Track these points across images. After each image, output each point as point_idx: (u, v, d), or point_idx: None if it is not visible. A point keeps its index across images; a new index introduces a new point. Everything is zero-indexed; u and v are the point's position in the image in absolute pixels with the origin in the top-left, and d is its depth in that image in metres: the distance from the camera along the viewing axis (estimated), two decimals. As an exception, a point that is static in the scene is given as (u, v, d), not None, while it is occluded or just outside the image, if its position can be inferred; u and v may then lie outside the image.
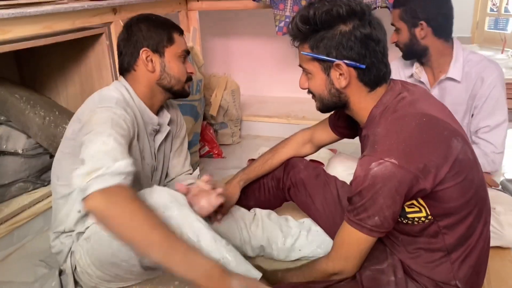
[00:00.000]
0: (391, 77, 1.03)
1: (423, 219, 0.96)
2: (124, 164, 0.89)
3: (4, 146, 1.57)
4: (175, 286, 1.17)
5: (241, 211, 1.39)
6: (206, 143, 2.31)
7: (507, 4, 4.19)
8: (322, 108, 1.07)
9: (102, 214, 0.84)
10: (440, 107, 1.03)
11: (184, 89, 1.25)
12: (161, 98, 1.25)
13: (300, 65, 1.05)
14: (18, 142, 1.61)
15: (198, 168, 1.47)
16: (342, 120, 1.27)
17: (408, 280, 1.02)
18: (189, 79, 1.25)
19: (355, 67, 0.96)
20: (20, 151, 1.61)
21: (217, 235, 0.97)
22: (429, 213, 0.95)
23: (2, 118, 1.59)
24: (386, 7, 2.04)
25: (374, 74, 0.98)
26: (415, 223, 0.97)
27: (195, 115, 2.02)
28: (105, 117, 1.02)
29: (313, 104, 1.09)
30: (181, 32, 1.24)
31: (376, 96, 1.00)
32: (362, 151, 1.08)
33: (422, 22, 1.44)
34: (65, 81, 1.96)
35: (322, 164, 2.01)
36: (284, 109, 2.73)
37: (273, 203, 1.46)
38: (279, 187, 1.42)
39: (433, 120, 0.93)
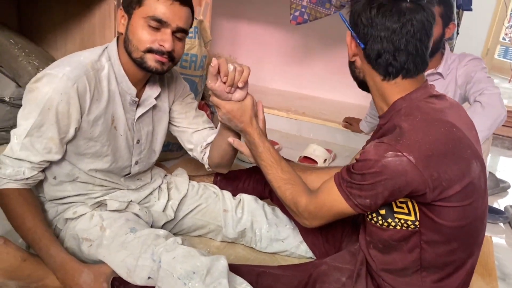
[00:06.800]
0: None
1: (409, 223, 0.92)
2: (15, 173, 1.04)
3: (-9, 92, 1.52)
4: None
5: (226, 196, 1.36)
6: (200, 123, 2.26)
7: (520, 35, 4.18)
8: (355, 81, 1.04)
9: None
10: (469, 124, 0.98)
11: (143, 60, 1.06)
12: (135, 68, 1.10)
13: None
14: (7, 89, 1.55)
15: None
16: None
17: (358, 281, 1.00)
18: (155, 51, 1.05)
19: (356, 43, 0.94)
20: (7, 99, 1.55)
21: None
22: (418, 219, 0.91)
23: (-7, 62, 1.53)
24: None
25: (384, 60, 0.92)
26: (398, 227, 0.94)
27: (195, 91, 1.97)
28: (38, 101, 1.00)
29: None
30: None
31: (402, 89, 0.94)
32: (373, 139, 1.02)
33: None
34: (66, 37, 1.90)
35: (316, 162, 1.99)
36: (285, 103, 2.68)
37: (249, 194, 1.41)
38: (262, 181, 1.39)
39: (461, 135, 0.89)
